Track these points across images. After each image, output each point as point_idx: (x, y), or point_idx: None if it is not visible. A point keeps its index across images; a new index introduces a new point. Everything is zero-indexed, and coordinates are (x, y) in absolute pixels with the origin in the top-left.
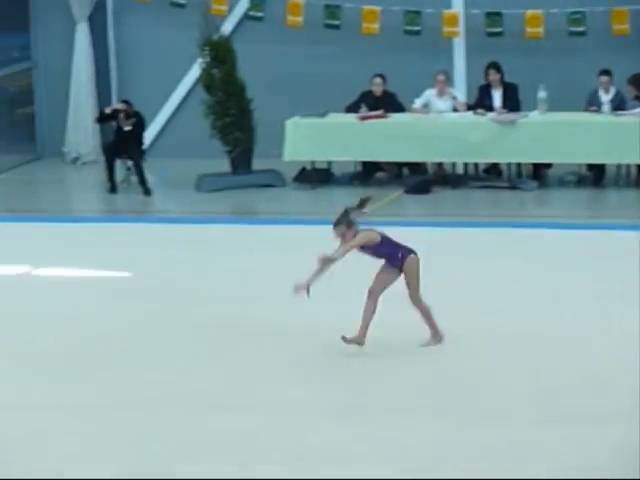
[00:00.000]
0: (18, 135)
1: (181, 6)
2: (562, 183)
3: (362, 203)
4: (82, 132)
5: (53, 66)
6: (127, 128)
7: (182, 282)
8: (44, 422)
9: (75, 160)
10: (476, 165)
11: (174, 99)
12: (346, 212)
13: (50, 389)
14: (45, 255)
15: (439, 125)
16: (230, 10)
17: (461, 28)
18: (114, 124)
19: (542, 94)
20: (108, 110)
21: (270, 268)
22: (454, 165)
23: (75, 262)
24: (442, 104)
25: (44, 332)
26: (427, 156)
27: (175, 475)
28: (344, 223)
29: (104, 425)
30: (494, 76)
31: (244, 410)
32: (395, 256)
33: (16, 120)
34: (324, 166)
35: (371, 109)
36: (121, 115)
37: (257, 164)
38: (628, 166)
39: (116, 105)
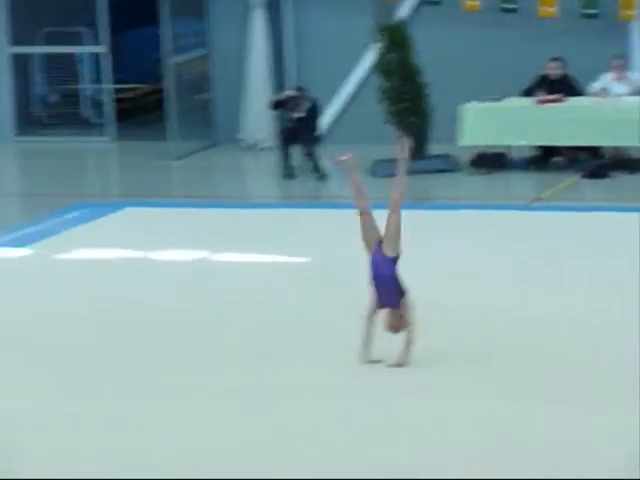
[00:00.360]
0: (195, 121)
1: None
2: None
3: None
4: (258, 118)
5: (229, 52)
6: (299, 115)
7: (357, 267)
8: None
9: (251, 146)
10: None
11: (350, 85)
12: None
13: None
14: (222, 241)
15: (617, 109)
16: None
17: (639, 11)
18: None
19: None
20: (280, 97)
21: (445, 253)
22: (632, 149)
23: (251, 248)
24: (619, 88)
25: (227, 317)
26: (605, 140)
27: None
28: None
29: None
30: None
31: (426, 393)
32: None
33: (193, 107)
34: (500, 150)
35: (548, 93)
36: (292, 102)
37: (432, 149)
38: None
39: (288, 92)
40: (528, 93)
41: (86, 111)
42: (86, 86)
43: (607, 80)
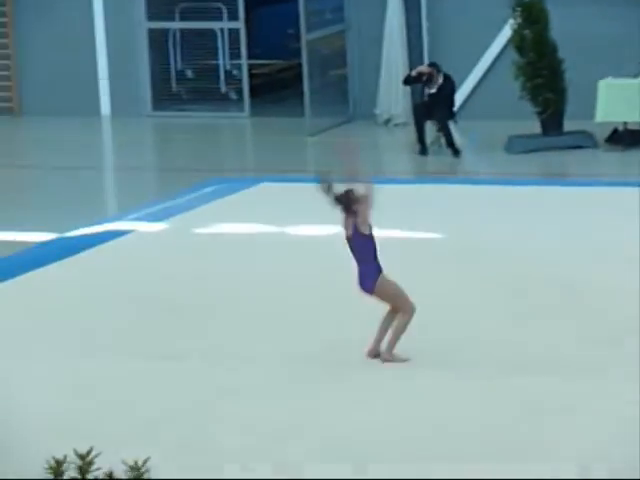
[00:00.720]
0: (331, 97)
1: None
2: None
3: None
4: (393, 94)
5: (366, 28)
6: (432, 91)
7: (492, 243)
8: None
9: (387, 122)
10: None
11: (485, 61)
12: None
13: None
14: None
15: None
16: None
17: None
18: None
19: None
20: (414, 73)
21: (579, 230)
22: None
23: (386, 223)
24: None
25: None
26: None
27: None
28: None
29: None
30: None
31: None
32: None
33: (329, 82)
34: (637, 127)
35: None
36: (424, 78)
37: (568, 125)
38: None
39: (421, 68)
40: None
41: (222, 86)
42: (221, 61)
43: None
